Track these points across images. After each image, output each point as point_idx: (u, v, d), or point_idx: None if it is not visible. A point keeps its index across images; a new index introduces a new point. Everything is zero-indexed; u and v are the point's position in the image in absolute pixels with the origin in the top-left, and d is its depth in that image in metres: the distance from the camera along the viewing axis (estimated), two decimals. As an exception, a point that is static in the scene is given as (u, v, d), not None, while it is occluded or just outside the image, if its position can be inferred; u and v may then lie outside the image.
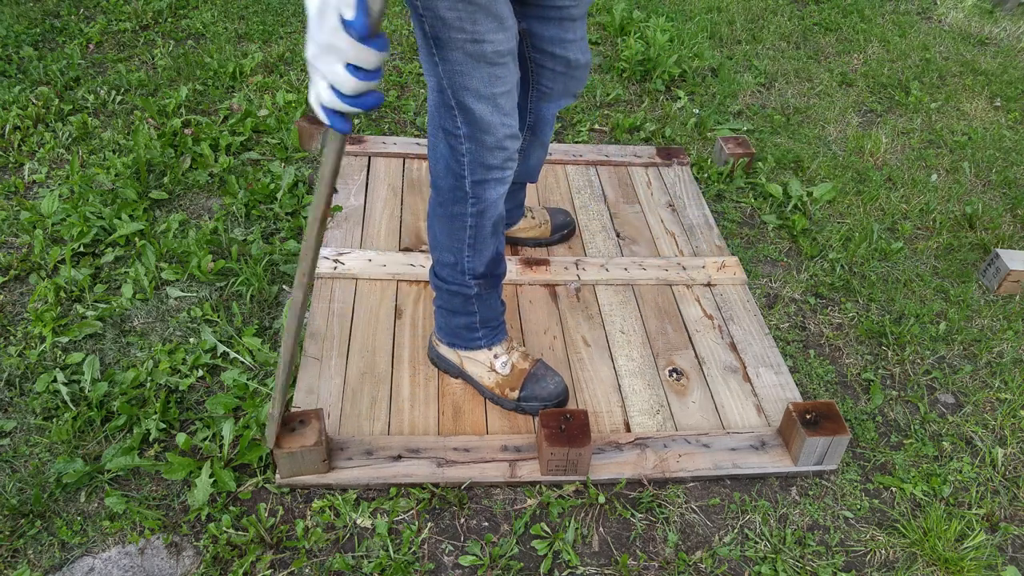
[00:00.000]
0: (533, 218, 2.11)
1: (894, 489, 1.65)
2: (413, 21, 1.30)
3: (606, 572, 1.45)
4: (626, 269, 2.08)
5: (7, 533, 1.41)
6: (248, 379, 1.69)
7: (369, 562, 1.42)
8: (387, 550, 1.44)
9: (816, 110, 3.01)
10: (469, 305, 1.61)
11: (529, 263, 2.05)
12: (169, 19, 3.25)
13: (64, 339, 1.78)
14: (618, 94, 2.97)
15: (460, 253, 1.54)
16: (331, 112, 1.03)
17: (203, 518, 1.47)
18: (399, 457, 1.56)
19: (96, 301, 1.89)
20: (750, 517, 1.57)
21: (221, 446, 1.57)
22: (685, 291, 2.06)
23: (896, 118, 3.02)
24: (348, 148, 2.42)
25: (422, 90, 2.90)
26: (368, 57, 0.95)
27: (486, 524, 1.51)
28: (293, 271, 2.01)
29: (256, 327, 1.84)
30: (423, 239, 2.14)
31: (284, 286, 1.99)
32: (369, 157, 2.43)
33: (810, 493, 1.62)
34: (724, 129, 2.82)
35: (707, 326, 1.96)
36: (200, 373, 1.73)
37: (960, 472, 1.69)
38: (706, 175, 2.55)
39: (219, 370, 1.75)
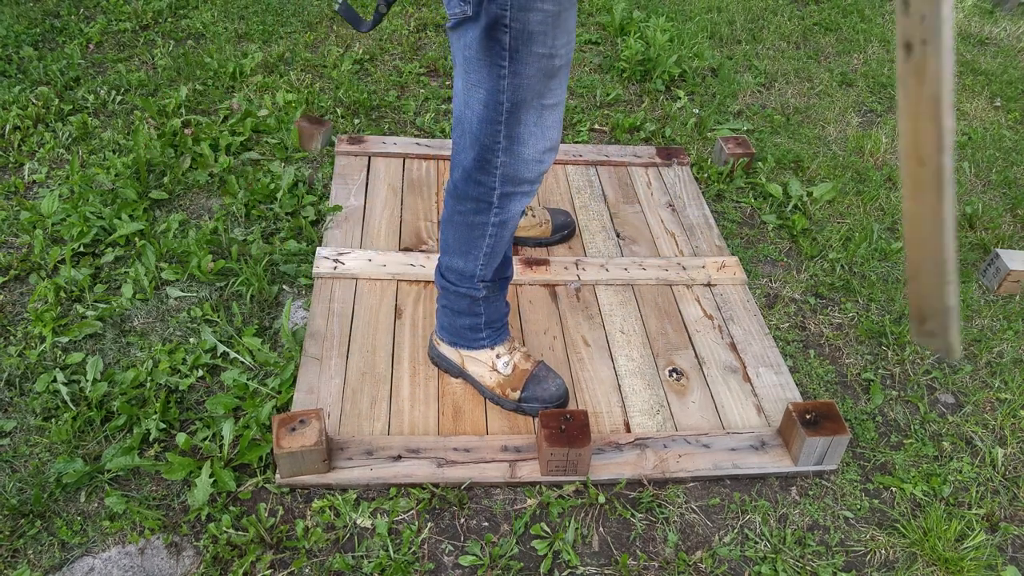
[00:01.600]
0: (534, 217, 2.11)
1: (894, 489, 1.65)
2: (479, 34, 1.22)
3: (606, 572, 1.45)
4: (626, 269, 2.07)
5: (7, 533, 1.41)
6: (248, 379, 1.69)
7: (369, 562, 1.42)
8: (387, 550, 1.44)
9: (816, 110, 3.01)
10: (476, 307, 1.61)
11: (529, 263, 2.05)
12: (169, 19, 3.25)
13: (64, 339, 1.78)
14: (618, 94, 2.96)
15: (475, 261, 1.53)
16: None
17: (203, 518, 1.47)
18: (399, 457, 1.56)
19: (96, 301, 1.89)
20: (750, 517, 1.57)
21: (221, 446, 1.57)
22: (685, 291, 2.05)
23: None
24: (348, 148, 2.43)
25: (422, 90, 2.90)
26: None
27: (486, 524, 1.51)
28: (293, 271, 2.01)
29: (256, 327, 1.84)
30: (423, 239, 2.14)
31: (284, 286, 1.99)
32: (369, 157, 2.43)
33: (810, 493, 1.62)
34: (724, 129, 2.82)
35: (707, 326, 1.96)
36: (200, 373, 1.73)
37: (960, 472, 1.69)
38: (706, 175, 2.55)
39: (219, 370, 1.75)
